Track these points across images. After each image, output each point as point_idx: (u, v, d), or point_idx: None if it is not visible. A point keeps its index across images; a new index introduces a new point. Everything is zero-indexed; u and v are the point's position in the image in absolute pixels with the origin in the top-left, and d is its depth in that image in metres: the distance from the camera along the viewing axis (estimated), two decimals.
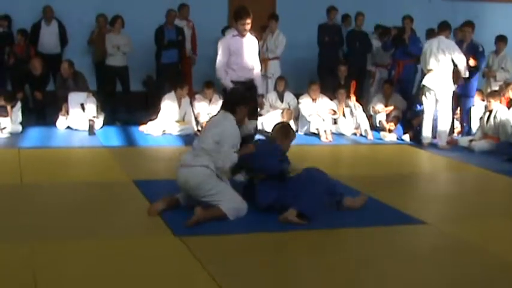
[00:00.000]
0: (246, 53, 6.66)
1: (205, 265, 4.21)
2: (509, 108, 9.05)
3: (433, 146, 9.10)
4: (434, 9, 12.51)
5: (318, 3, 11.73)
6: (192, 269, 4.20)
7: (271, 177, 5.44)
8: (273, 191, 5.41)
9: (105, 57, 10.76)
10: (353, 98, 10.04)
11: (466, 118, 9.87)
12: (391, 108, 10.17)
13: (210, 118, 5.96)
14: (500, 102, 9.25)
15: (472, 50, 9.46)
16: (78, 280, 3.97)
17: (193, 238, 4.73)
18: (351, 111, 9.92)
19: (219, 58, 6.69)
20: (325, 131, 9.37)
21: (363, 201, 5.69)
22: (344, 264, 4.47)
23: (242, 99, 5.64)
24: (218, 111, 5.70)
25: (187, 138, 8.87)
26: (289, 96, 10.08)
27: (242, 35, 6.64)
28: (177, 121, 9.43)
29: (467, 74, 9.10)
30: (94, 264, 4.24)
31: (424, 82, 9.13)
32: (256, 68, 6.94)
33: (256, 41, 6.95)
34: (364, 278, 4.24)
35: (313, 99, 9.73)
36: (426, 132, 9.20)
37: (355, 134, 9.87)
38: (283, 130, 5.79)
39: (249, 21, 6.49)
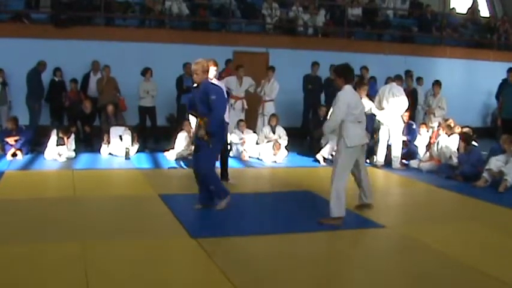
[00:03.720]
0: None
1: (213, 258, 4.29)
2: (448, 136, 9.08)
3: (389, 167, 9.00)
4: (390, 61, 12.62)
5: (303, 59, 11.69)
6: (200, 262, 4.29)
7: None
8: None
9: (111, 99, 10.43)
10: None
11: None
12: None
13: None
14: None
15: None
16: (120, 270, 4.05)
17: (205, 239, 4.80)
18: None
19: None
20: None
21: None
22: (323, 259, 4.52)
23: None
24: None
25: None
26: (279, 129, 9.98)
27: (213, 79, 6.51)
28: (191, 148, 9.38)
29: (401, 112, 8.97)
30: (130, 259, 4.31)
31: (378, 118, 9.06)
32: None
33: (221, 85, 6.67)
34: (335, 271, 4.28)
35: None
36: (380, 157, 9.07)
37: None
38: None
39: (215, 68, 6.58)
